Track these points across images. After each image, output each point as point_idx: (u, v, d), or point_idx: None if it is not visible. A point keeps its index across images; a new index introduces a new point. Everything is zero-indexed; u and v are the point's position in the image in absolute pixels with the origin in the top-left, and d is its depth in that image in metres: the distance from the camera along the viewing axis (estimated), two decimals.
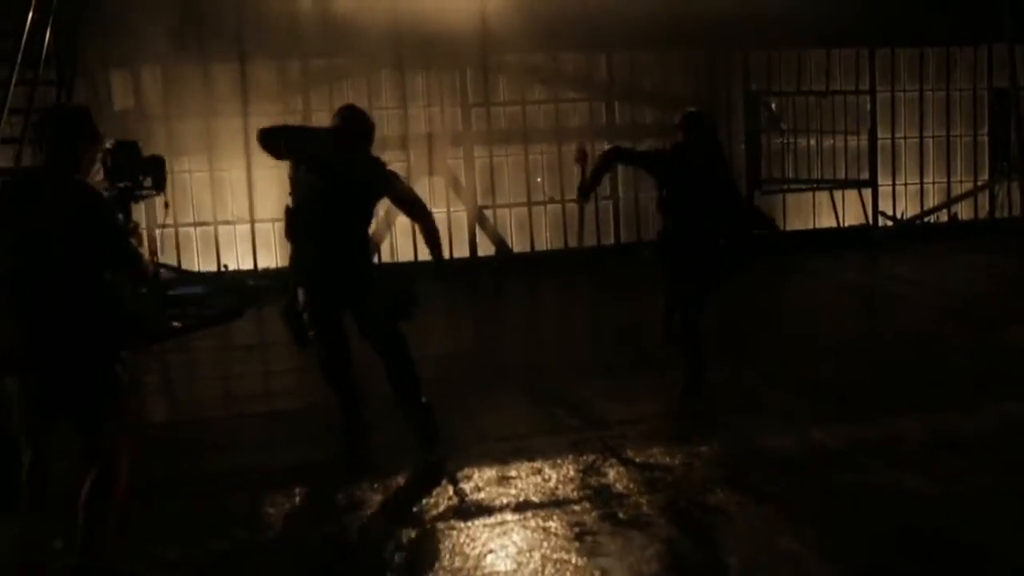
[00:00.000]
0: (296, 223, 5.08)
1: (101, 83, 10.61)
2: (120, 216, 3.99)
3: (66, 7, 8.41)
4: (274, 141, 5.15)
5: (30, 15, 7.60)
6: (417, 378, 5.16)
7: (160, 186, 7.50)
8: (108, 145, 7.32)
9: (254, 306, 9.51)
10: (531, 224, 11.87)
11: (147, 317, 6.35)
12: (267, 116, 11.06)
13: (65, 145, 3.66)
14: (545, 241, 11.99)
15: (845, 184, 12.62)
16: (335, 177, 4.98)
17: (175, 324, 6.72)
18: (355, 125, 5.22)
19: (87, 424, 3.68)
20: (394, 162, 11.45)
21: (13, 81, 7.17)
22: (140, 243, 3.92)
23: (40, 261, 3.54)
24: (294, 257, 5.14)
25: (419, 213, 5.23)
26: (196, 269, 11.04)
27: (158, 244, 10.94)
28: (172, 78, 10.75)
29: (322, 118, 11.31)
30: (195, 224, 11.18)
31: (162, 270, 9.45)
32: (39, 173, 3.72)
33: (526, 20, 11.34)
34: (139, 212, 8.33)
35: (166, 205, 7.77)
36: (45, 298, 3.54)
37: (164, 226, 10.98)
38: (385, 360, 5.13)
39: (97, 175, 6.78)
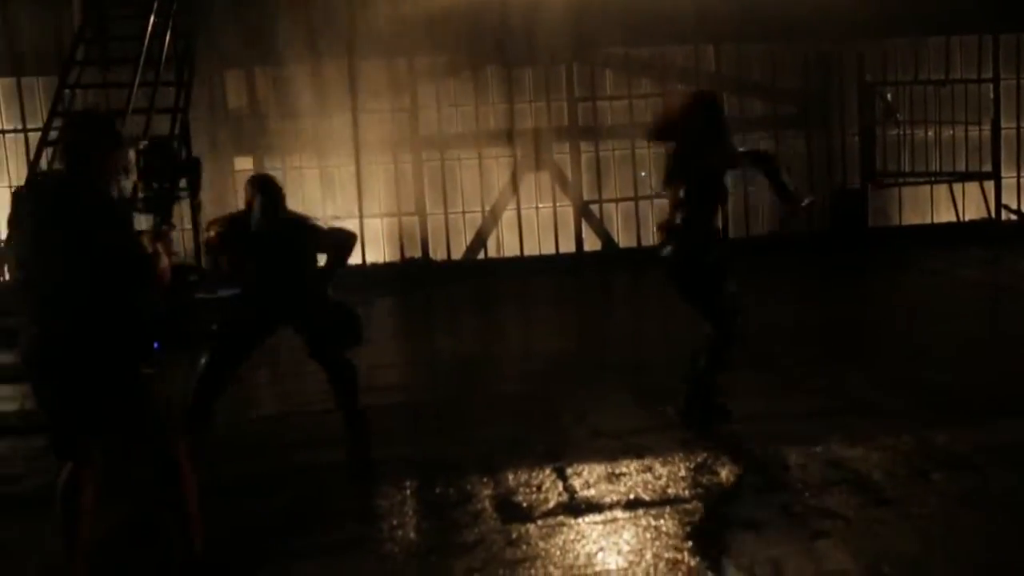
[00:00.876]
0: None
1: (216, 84, 10.93)
2: (158, 219, 3.95)
3: (185, 11, 8.66)
4: None
5: (152, 19, 7.86)
6: (357, 391, 5.25)
7: (195, 188, 7.47)
8: (141, 146, 7.39)
9: None
10: (637, 219, 11.77)
11: (170, 321, 6.37)
12: (375, 113, 11.30)
13: (82, 151, 3.64)
14: (652, 236, 11.85)
15: (966, 177, 12.13)
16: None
17: (213, 327, 6.71)
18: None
19: (127, 431, 3.70)
20: (500, 157, 11.61)
21: (136, 82, 7.42)
22: (168, 246, 3.90)
23: (52, 267, 3.51)
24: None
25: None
26: None
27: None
28: (283, 77, 10.99)
29: (428, 115, 11.53)
30: None
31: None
32: (55, 178, 3.75)
33: (632, 13, 11.26)
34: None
35: (198, 207, 7.75)
36: (58, 305, 3.51)
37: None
38: (332, 380, 5.25)
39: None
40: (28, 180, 4.40)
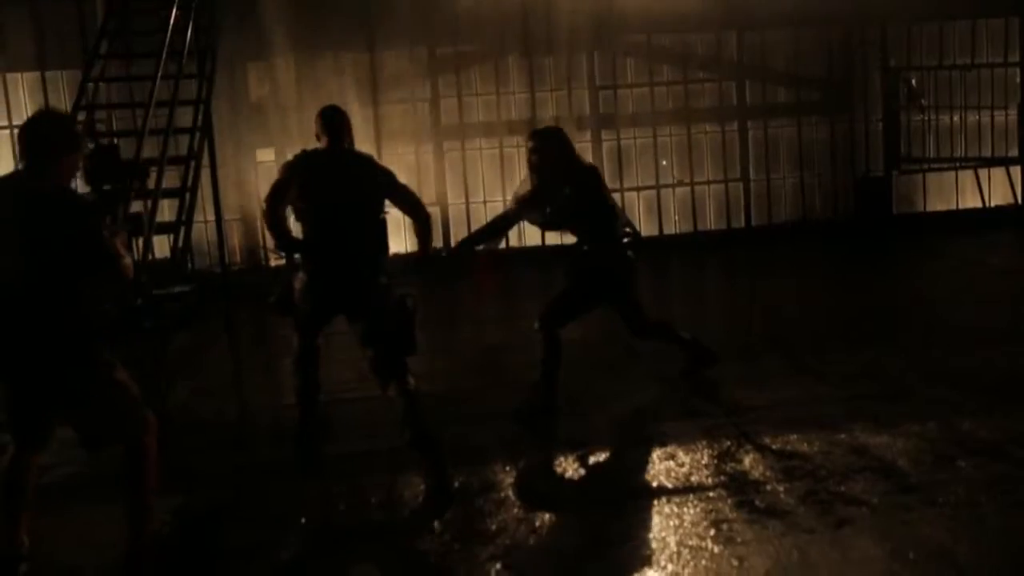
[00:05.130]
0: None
1: (238, 75, 10.96)
2: (110, 218, 3.98)
3: (206, 4, 8.70)
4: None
5: (174, 12, 7.90)
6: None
7: (140, 191, 7.46)
8: (88, 150, 7.31)
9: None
10: (659, 207, 11.73)
11: (129, 315, 6.39)
12: (396, 104, 11.31)
13: (41, 152, 3.67)
14: (674, 224, 11.83)
15: (991, 162, 12.00)
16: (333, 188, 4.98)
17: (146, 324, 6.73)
18: (338, 122, 5.27)
19: (92, 419, 3.77)
20: (521, 146, 11.56)
21: (158, 75, 7.45)
22: (124, 244, 3.91)
23: (10, 267, 3.57)
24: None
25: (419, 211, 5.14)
26: None
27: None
28: (304, 68, 11.01)
29: (450, 104, 11.52)
30: None
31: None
32: (13, 179, 3.76)
33: (654, 1, 11.19)
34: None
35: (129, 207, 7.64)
36: (15, 303, 3.58)
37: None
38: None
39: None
40: None
